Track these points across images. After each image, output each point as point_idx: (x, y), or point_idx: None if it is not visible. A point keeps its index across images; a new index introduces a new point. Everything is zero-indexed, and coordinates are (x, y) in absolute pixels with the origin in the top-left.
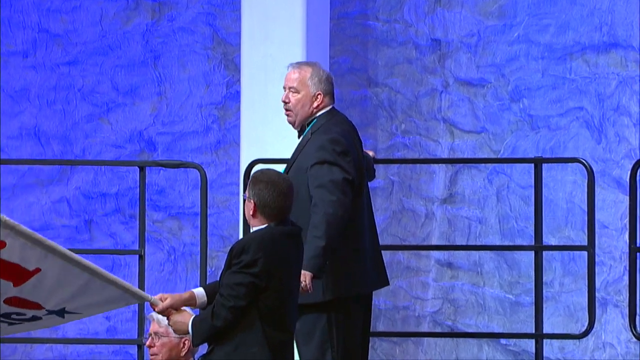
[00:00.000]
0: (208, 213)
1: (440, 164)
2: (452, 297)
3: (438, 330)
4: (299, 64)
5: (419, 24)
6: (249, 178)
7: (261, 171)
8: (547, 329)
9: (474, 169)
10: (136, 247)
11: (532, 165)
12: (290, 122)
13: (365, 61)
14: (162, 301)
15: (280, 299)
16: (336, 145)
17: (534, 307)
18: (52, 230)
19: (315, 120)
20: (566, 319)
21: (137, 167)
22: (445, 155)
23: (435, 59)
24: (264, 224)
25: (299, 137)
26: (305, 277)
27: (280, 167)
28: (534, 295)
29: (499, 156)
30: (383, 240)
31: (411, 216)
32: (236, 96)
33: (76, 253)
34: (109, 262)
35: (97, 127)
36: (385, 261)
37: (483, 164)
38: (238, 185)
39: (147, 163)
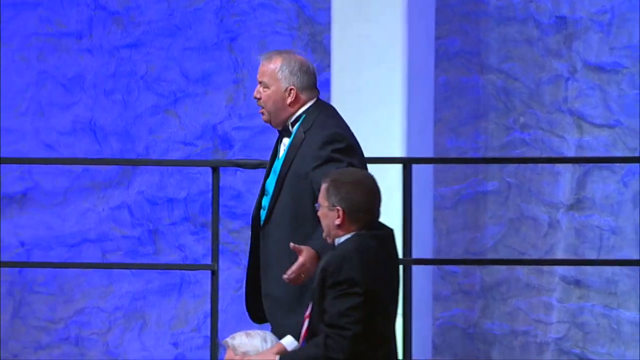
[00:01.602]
0: None
1: (566, 164)
2: (580, 321)
3: (564, 359)
4: (269, 55)
5: None
6: None
7: (339, 172)
8: None
9: (606, 170)
10: (208, 261)
11: None
12: (265, 121)
13: (477, 43)
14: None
15: (388, 315)
16: (339, 141)
17: None
18: (111, 241)
19: (304, 116)
20: None
21: (209, 167)
22: (571, 154)
23: (560, 40)
24: (351, 232)
25: (281, 137)
26: (307, 252)
27: (378, 168)
28: None
29: (636, 154)
30: (498, 253)
31: (531, 225)
32: (325, 84)
33: (139, 268)
34: (176, 279)
35: (163, 121)
36: (500, 277)
37: (617, 164)
38: None
39: (221, 163)
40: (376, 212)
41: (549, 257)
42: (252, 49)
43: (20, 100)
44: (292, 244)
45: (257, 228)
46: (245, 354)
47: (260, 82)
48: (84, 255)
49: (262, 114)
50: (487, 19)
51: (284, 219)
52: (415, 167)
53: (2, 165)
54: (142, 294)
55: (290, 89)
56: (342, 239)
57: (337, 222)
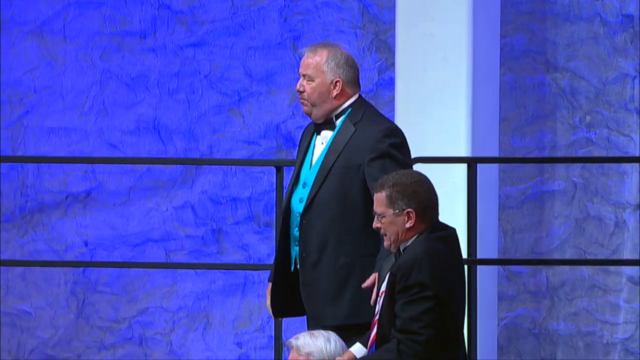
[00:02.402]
0: None
1: (633, 163)
2: None
3: None
4: (314, 47)
5: None
6: None
7: (395, 176)
8: None
9: None
10: (272, 260)
11: None
12: (306, 113)
13: (543, 41)
14: None
15: (458, 317)
16: (396, 136)
17: None
18: (174, 241)
19: (350, 109)
20: None
21: (273, 167)
22: (638, 153)
23: (627, 39)
24: (416, 234)
25: (319, 130)
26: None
27: (443, 167)
28: None
29: None
30: (563, 253)
31: (598, 225)
32: (390, 83)
33: (203, 268)
34: (240, 279)
35: (227, 120)
36: (566, 277)
37: None
38: None
39: (284, 162)
40: (438, 209)
41: (615, 257)
42: None
43: (84, 100)
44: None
45: (287, 220)
46: (309, 354)
47: (304, 75)
48: (148, 255)
49: (304, 105)
50: (553, 18)
51: (328, 210)
52: (480, 166)
53: (66, 164)
54: (206, 293)
55: (337, 82)
56: (408, 243)
57: (409, 224)
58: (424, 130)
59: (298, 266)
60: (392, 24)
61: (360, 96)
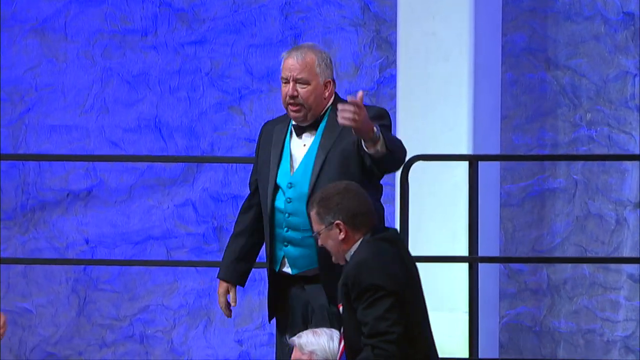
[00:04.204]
0: None
1: (633, 161)
2: None
3: (631, 358)
4: (299, 50)
5: None
6: (407, 178)
7: (319, 193)
8: None
9: None
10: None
11: None
12: (297, 118)
13: (544, 39)
14: None
15: (418, 312)
16: (386, 118)
17: None
18: (175, 238)
19: (331, 107)
20: None
21: None
22: (638, 151)
23: (627, 36)
24: (357, 242)
25: (299, 132)
26: (370, 125)
27: (445, 165)
28: None
29: None
30: (564, 250)
31: (598, 222)
32: (391, 81)
33: (204, 266)
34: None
35: (228, 118)
36: (567, 275)
37: None
38: (394, 185)
39: None
40: (373, 214)
41: (615, 254)
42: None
43: (85, 98)
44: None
45: (272, 221)
46: (312, 353)
47: (296, 80)
48: (149, 253)
49: (297, 111)
50: (554, 15)
51: None
52: (481, 164)
53: (67, 162)
54: (207, 291)
55: (328, 82)
56: (352, 251)
57: (341, 236)
58: (426, 128)
59: (286, 268)
60: (393, 21)
61: (336, 93)
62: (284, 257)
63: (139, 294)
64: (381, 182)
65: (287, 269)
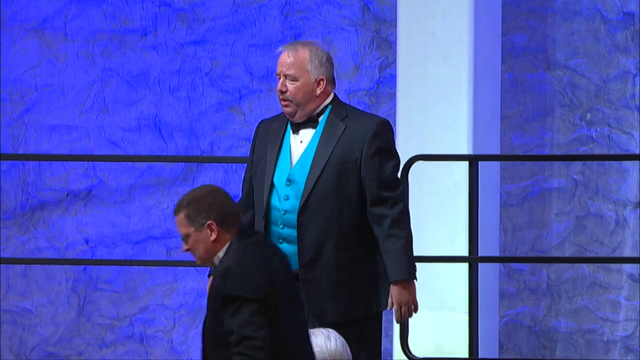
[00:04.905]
0: None
1: (633, 161)
2: None
3: (630, 358)
4: (293, 45)
5: None
6: (407, 177)
7: (186, 196)
8: None
9: None
10: None
11: None
12: (288, 113)
13: (544, 39)
14: None
15: (283, 318)
16: (389, 130)
17: None
18: (175, 238)
19: (331, 106)
20: None
21: None
22: (639, 151)
23: (627, 36)
24: (226, 244)
25: (296, 129)
26: (409, 291)
27: (444, 165)
28: None
29: None
30: (564, 250)
31: (598, 222)
32: (391, 80)
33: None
34: None
35: (228, 118)
36: (567, 275)
37: None
38: None
39: None
40: (239, 215)
41: (615, 254)
42: None
43: (85, 97)
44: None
45: (268, 218)
46: None
47: (285, 75)
48: (149, 253)
49: (287, 106)
50: (554, 15)
51: (325, 207)
52: (481, 164)
53: (67, 162)
54: (206, 291)
55: (320, 80)
56: (221, 254)
57: (213, 237)
58: (425, 127)
59: None
60: (393, 21)
61: (335, 94)
62: None
63: (138, 293)
64: None
65: None
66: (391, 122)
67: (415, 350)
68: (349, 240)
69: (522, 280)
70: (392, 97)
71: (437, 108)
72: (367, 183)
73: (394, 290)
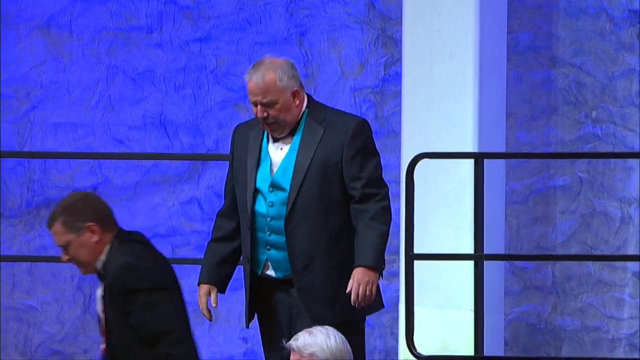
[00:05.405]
0: None
1: (639, 159)
2: None
3: (636, 355)
4: (258, 70)
5: None
6: (412, 175)
7: (59, 204)
8: None
9: None
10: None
11: None
12: (276, 134)
13: (549, 37)
14: None
15: (177, 310)
16: (367, 129)
17: None
18: (181, 236)
19: (307, 110)
20: None
21: None
22: None
23: (633, 34)
24: (107, 245)
25: (276, 137)
26: (371, 277)
27: (450, 163)
28: None
29: None
30: (569, 248)
31: (603, 220)
32: (396, 78)
33: None
34: None
35: (233, 115)
36: (572, 273)
37: None
38: (399, 183)
39: None
40: (114, 217)
41: (620, 252)
42: (322, 43)
43: (90, 95)
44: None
45: (254, 225)
46: (312, 355)
47: (262, 103)
48: None
49: (274, 129)
50: (559, 13)
51: (311, 212)
52: (486, 161)
53: (72, 160)
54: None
55: (295, 92)
56: (103, 257)
57: (95, 238)
58: (431, 125)
59: (270, 271)
60: (398, 19)
61: (308, 95)
62: (267, 260)
63: None
64: (386, 180)
65: (271, 272)
66: (396, 120)
67: (420, 348)
68: (339, 243)
69: (527, 278)
70: (398, 94)
71: (443, 106)
72: (350, 184)
73: (356, 272)
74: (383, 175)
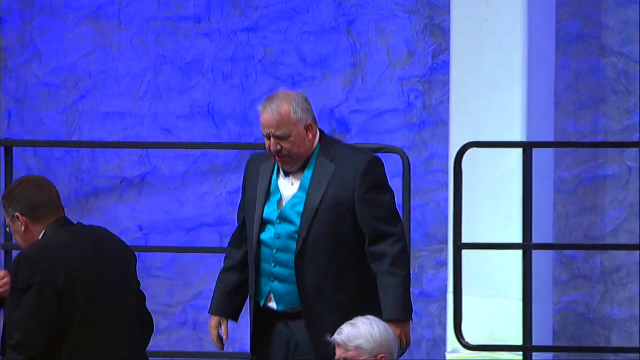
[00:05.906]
0: (411, 206)
1: None
2: None
3: None
4: (273, 102)
5: None
6: (460, 165)
7: (8, 187)
8: None
9: None
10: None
11: None
12: (289, 167)
13: (598, 25)
14: None
15: (95, 313)
16: (379, 165)
17: None
18: (228, 225)
19: (318, 146)
20: None
21: None
22: None
23: None
24: (38, 236)
25: (286, 172)
26: (403, 329)
27: (498, 152)
28: None
29: None
30: (618, 237)
31: None
32: (444, 67)
33: None
34: None
35: None
36: (620, 262)
37: None
38: (447, 173)
39: None
40: (57, 205)
41: None
42: (370, 32)
43: (138, 85)
44: None
45: (259, 255)
46: (358, 347)
47: (276, 136)
48: (202, 240)
49: (286, 163)
50: (608, 2)
51: (321, 249)
52: (535, 151)
53: (121, 149)
54: None
55: (309, 125)
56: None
57: (23, 229)
58: (479, 114)
59: (272, 303)
60: (446, 8)
61: (321, 130)
62: (269, 292)
63: (192, 280)
64: (434, 170)
65: (272, 304)
66: (444, 110)
67: (469, 338)
68: (347, 280)
69: (575, 267)
70: (446, 84)
71: (491, 95)
72: (364, 222)
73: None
74: (431, 165)
